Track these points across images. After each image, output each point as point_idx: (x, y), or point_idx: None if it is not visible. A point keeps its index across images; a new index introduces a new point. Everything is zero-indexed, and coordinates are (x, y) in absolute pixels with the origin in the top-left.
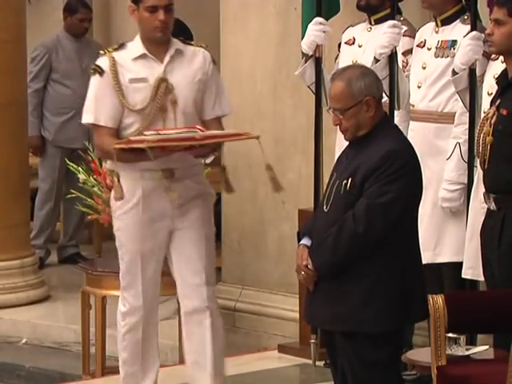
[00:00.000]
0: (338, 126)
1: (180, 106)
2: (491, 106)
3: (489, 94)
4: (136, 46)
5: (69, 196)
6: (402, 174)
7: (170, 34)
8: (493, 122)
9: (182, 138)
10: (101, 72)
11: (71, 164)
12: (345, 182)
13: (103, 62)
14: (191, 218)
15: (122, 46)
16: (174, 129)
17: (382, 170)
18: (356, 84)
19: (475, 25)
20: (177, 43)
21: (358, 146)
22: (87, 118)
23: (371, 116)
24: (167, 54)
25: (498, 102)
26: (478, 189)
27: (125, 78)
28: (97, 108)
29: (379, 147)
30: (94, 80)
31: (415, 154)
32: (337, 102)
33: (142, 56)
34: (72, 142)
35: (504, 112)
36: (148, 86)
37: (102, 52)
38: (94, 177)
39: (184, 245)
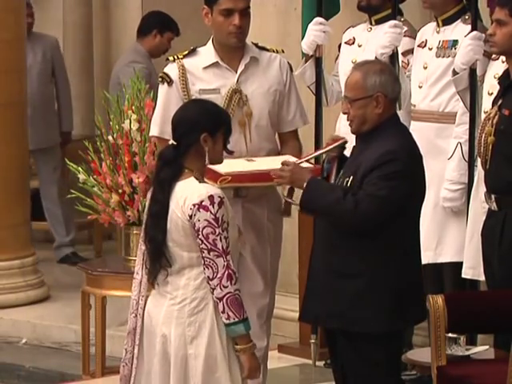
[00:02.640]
0: (346, 116)
1: (254, 119)
2: (493, 106)
3: (489, 94)
4: (208, 53)
5: (69, 196)
6: (396, 175)
7: (245, 39)
8: (494, 122)
9: (256, 175)
10: (169, 82)
11: (71, 164)
12: (347, 179)
13: (172, 69)
14: (260, 246)
15: (192, 52)
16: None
17: (377, 170)
18: (371, 78)
19: (476, 25)
20: (252, 49)
21: (363, 144)
22: (153, 130)
23: (379, 113)
24: (242, 61)
25: (500, 102)
26: (479, 189)
27: (195, 88)
28: (163, 121)
29: (379, 147)
30: (162, 90)
31: (416, 157)
32: (349, 90)
33: (215, 64)
34: None
35: (506, 112)
36: (219, 97)
37: (171, 58)
38: (94, 177)
39: (250, 279)
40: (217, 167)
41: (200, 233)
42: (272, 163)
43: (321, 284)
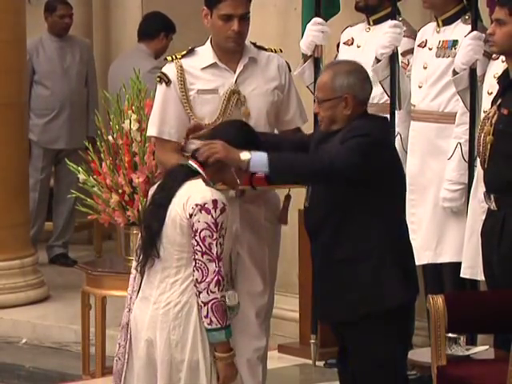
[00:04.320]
0: (318, 115)
1: (252, 120)
2: (492, 105)
3: (489, 94)
4: (206, 53)
5: (69, 196)
6: (366, 144)
7: (244, 42)
8: (493, 121)
9: (254, 178)
10: (167, 82)
11: (71, 164)
12: None
13: (170, 69)
14: (258, 246)
15: (191, 52)
16: None
17: (346, 138)
18: (339, 79)
19: (476, 24)
20: (250, 49)
21: (330, 137)
22: (151, 130)
23: (347, 114)
24: (240, 62)
25: (499, 101)
26: (477, 188)
27: (193, 88)
28: (161, 121)
29: (346, 128)
30: (160, 90)
31: (384, 139)
32: (319, 90)
33: (213, 65)
34: (54, 143)
35: (505, 112)
36: (217, 98)
37: (169, 58)
38: (94, 177)
39: (248, 278)
40: None
41: (197, 234)
42: None
43: (328, 279)
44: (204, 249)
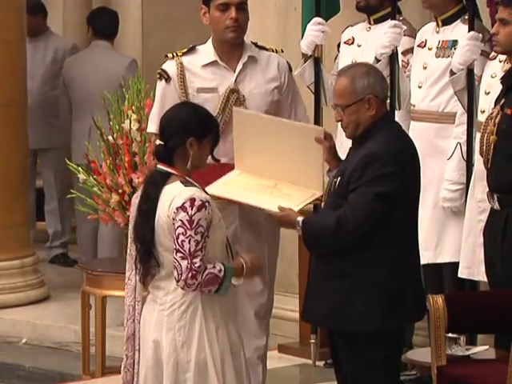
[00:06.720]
0: (340, 123)
1: None
2: (495, 105)
3: (486, 94)
4: (207, 51)
5: (69, 196)
6: (376, 178)
7: (243, 35)
8: (497, 121)
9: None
10: (167, 78)
11: (71, 164)
12: (335, 180)
13: (170, 66)
14: (257, 245)
15: (192, 50)
16: None
17: (357, 174)
18: (359, 81)
19: (473, 25)
20: (251, 48)
21: (357, 145)
22: (151, 127)
23: (372, 115)
24: (240, 60)
25: (503, 101)
26: (475, 188)
27: (193, 86)
28: (160, 117)
29: (366, 149)
30: (160, 86)
31: (403, 157)
32: (339, 97)
33: (213, 63)
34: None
35: (508, 111)
36: (217, 97)
37: (169, 55)
38: (94, 177)
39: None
40: (222, 193)
41: (175, 233)
42: (276, 199)
43: (315, 284)
44: (177, 246)
